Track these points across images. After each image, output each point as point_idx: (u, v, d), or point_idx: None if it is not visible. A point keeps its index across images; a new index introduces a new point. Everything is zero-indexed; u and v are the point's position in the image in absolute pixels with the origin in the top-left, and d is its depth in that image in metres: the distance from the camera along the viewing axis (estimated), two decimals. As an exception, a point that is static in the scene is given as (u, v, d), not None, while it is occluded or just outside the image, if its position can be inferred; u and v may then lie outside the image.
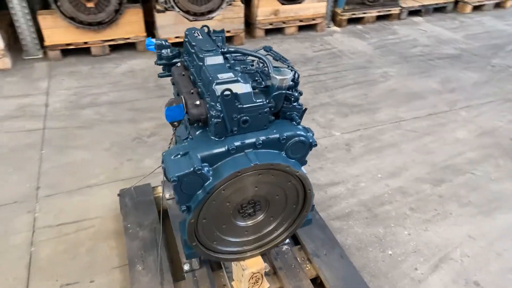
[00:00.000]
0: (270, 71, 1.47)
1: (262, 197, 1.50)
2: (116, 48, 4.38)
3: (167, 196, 2.23)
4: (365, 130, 3.23)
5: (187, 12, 4.21)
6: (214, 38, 1.64)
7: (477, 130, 3.29)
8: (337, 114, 3.42)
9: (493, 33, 5.35)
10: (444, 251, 2.21)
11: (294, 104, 1.49)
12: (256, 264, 1.66)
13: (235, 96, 1.31)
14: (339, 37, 5.07)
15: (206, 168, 1.32)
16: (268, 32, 4.92)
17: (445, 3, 5.88)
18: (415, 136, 3.20)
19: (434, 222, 2.40)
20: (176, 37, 4.36)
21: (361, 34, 5.18)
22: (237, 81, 1.35)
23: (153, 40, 1.71)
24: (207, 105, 1.38)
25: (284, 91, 1.41)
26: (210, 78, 1.36)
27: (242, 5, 4.51)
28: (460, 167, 2.87)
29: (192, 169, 1.29)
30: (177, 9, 4.14)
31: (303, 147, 1.49)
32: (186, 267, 1.83)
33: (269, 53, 1.63)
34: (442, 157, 2.96)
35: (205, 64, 1.44)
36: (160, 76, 1.78)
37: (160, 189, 2.32)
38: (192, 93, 1.47)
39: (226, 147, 1.37)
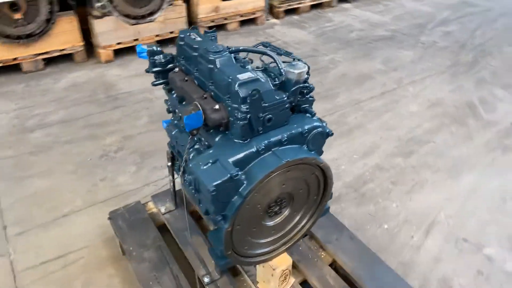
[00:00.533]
0: (279, 66, 1.46)
1: (287, 194, 1.49)
2: (51, 61, 3.99)
3: (162, 210, 2.11)
4: (331, 116, 3.35)
5: (127, 16, 3.97)
6: (212, 38, 1.58)
7: (426, 103, 3.59)
8: (300, 104, 3.50)
9: (414, 13, 5.84)
10: (431, 217, 2.39)
11: (307, 96, 1.50)
12: (285, 261, 1.65)
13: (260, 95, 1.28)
14: (280, 28, 5.16)
15: (239, 173, 1.28)
16: (210, 29, 4.83)
17: (368, -12, 6.28)
18: (375, 115, 3.39)
19: (415, 191, 2.58)
20: (118, 43, 4.10)
21: (299, 24, 5.32)
22: (258, 80, 1.32)
23: (144, 46, 1.59)
24: (228, 108, 1.33)
25: (301, 85, 1.41)
26: (229, 79, 1.31)
27: (184, 4, 4.38)
28: (422, 138, 3.11)
29: (228, 175, 1.24)
30: (116, 14, 3.89)
31: (321, 138, 1.51)
32: (206, 279, 1.75)
33: (269, 47, 1.61)
34: (404, 131, 3.18)
35: (218, 66, 1.38)
36: (155, 84, 1.66)
37: (151, 204, 2.19)
38: (206, 97, 1.40)
39: (255, 148, 1.33)
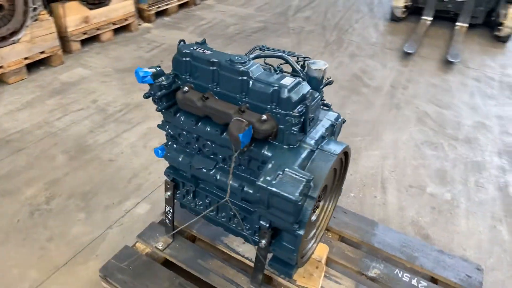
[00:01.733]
0: (294, 66, 1.49)
1: (325, 186, 1.56)
2: None
3: (159, 246, 1.89)
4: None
5: (-16, 39, 3.22)
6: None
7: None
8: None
9: (271, 3, 6.34)
10: (379, 176, 2.77)
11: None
12: (323, 249, 1.72)
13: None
14: (157, 32, 4.94)
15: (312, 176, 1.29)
16: (84, 42, 4.31)
17: (224, -16, 6.50)
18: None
19: (357, 158, 2.93)
20: (-21, 75, 3.30)
21: (174, 26, 5.19)
22: (300, 83, 1.33)
23: (146, 69, 1.39)
24: (277, 116, 1.31)
25: (328, 81, 1.47)
26: (275, 87, 1.28)
27: (51, 18, 3.77)
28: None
29: (305, 181, 1.24)
30: (-30, 39, 3.11)
31: (341, 127, 1.62)
32: (249, 297, 1.69)
33: (267, 50, 1.61)
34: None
35: (253, 76, 1.32)
36: (162, 109, 1.47)
37: (141, 245, 1.93)
38: (243, 111, 1.33)
39: (310, 148, 1.35)
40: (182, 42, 1.51)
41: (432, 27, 5.47)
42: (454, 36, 5.10)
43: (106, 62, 4.09)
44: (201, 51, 1.41)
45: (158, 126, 1.60)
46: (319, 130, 1.43)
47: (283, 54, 1.53)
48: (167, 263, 1.89)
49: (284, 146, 1.35)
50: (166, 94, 1.44)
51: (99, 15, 4.37)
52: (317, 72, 1.43)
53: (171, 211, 1.81)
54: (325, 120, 1.49)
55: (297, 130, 1.30)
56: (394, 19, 5.77)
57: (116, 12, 4.58)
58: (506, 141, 3.26)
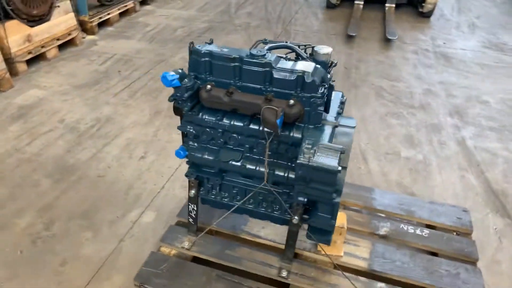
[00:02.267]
0: (301, 54, 1.63)
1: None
2: None
3: (185, 246, 1.94)
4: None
5: None
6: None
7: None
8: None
9: (211, 2, 6.40)
10: (357, 148, 3.02)
11: (325, 73, 1.73)
12: (342, 216, 1.89)
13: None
14: (104, 43, 4.79)
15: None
16: (29, 62, 4.06)
17: (159, -12, 6.43)
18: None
19: (334, 136, 3.16)
20: None
21: (121, 35, 5.06)
22: (317, 67, 1.47)
23: (172, 72, 1.43)
24: (303, 99, 1.44)
25: (335, 63, 1.63)
26: (300, 73, 1.41)
27: (-6, 40, 3.52)
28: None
29: (339, 152, 1.38)
30: None
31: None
32: (284, 273, 1.82)
33: (269, 42, 1.72)
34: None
35: (276, 66, 1.44)
36: (189, 110, 1.52)
37: (165, 248, 1.96)
38: (270, 99, 1.45)
39: (333, 125, 1.51)
40: (192, 44, 1.57)
41: (365, 10, 5.92)
42: (386, 16, 5.58)
43: (60, 80, 3.90)
44: (219, 49, 1.50)
45: (179, 127, 1.65)
46: (334, 107, 1.58)
47: (289, 44, 1.66)
48: (195, 260, 1.95)
49: (310, 126, 1.49)
50: (192, 94, 1.50)
51: (41, 32, 4.13)
52: (325, 56, 1.58)
53: (195, 208, 1.87)
54: (335, 98, 1.65)
55: (322, 110, 1.44)
56: (329, 6, 6.14)
57: (58, 27, 4.37)
58: (452, 102, 3.70)
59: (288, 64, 1.47)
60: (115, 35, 5.04)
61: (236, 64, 1.46)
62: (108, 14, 5.22)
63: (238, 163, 1.62)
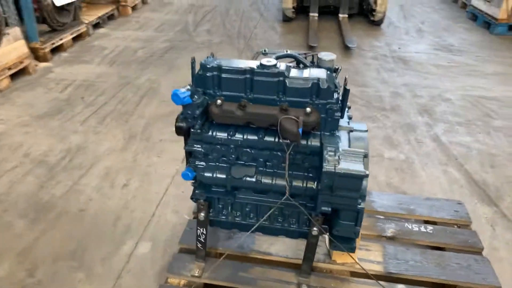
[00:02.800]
0: (305, 62, 1.62)
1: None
2: None
3: (196, 274, 1.82)
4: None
5: None
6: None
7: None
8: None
9: (168, 22, 6.28)
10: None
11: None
12: (355, 223, 1.87)
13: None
14: (61, 70, 4.52)
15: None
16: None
17: (112, 10, 6.21)
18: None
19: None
20: None
21: (77, 60, 4.81)
22: (328, 73, 1.45)
23: (183, 89, 1.34)
24: (319, 106, 1.41)
25: (339, 69, 1.62)
26: (314, 81, 1.39)
27: None
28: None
29: (362, 156, 1.37)
30: None
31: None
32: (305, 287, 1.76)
33: (268, 52, 1.69)
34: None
35: (289, 75, 1.40)
36: (199, 128, 1.43)
37: (174, 279, 1.83)
38: (285, 109, 1.41)
39: (348, 130, 1.50)
40: (193, 59, 1.50)
41: (320, 21, 6.11)
42: (342, 26, 5.80)
43: (18, 111, 3.61)
44: (226, 62, 1.44)
45: (186, 148, 1.56)
46: (346, 113, 1.58)
47: (291, 53, 1.64)
48: (206, 287, 1.83)
49: (326, 133, 1.46)
50: (204, 110, 1.43)
51: (-9, 62, 3.83)
52: (330, 63, 1.58)
53: (205, 232, 1.76)
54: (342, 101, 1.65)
55: (339, 115, 1.43)
56: (285, 19, 6.28)
57: (8, 56, 4.06)
58: (419, 102, 3.88)
59: (299, 73, 1.44)
60: (71, 61, 4.78)
61: (247, 76, 1.41)
62: (61, 39, 4.95)
63: (253, 179, 1.55)
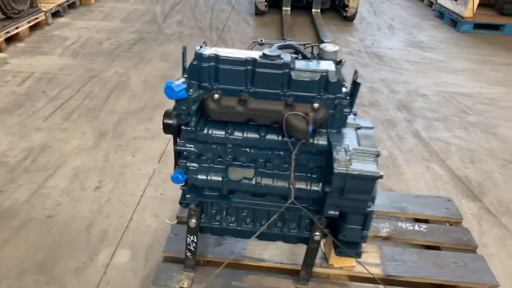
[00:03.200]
0: (305, 53, 1.50)
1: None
2: None
3: (185, 285, 1.66)
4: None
5: None
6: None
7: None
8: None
9: (135, 12, 5.95)
10: (326, 151, 2.96)
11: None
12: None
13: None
14: (18, 61, 4.13)
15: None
16: None
17: (73, -2, 5.81)
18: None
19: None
20: None
21: (36, 50, 4.42)
22: (337, 65, 1.34)
23: (177, 82, 1.17)
24: (327, 101, 1.29)
25: (342, 61, 1.51)
26: (324, 72, 1.27)
27: None
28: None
29: (375, 155, 1.28)
30: None
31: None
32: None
33: (266, 42, 1.56)
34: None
35: (295, 67, 1.27)
36: (195, 125, 1.26)
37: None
38: (290, 104, 1.28)
39: (355, 127, 1.40)
40: (185, 49, 1.34)
41: (293, 15, 6.02)
42: (315, 21, 5.74)
43: (-31, 107, 3.25)
44: (227, 52, 1.28)
45: (176, 148, 1.39)
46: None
47: (291, 43, 1.51)
48: (199, 299, 1.68)
49: (333, 131, 1.35)
50: (200, 104, 1.27)
51: None
52: (333, 54, 1.46)
53: (195, 240, 1.60)
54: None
55: (348, 111, 1.32)
56: (258, 13, 6.13)
57: (-43, 45, 3.65)
58: (397, 98, 3.88)
59: (305, 64, 1.31)
60: (29, 51, 4.39)
61: (249, 67, 1.27)
62: (17, 28, 4.53)
63: (252, 181, 1.41)
